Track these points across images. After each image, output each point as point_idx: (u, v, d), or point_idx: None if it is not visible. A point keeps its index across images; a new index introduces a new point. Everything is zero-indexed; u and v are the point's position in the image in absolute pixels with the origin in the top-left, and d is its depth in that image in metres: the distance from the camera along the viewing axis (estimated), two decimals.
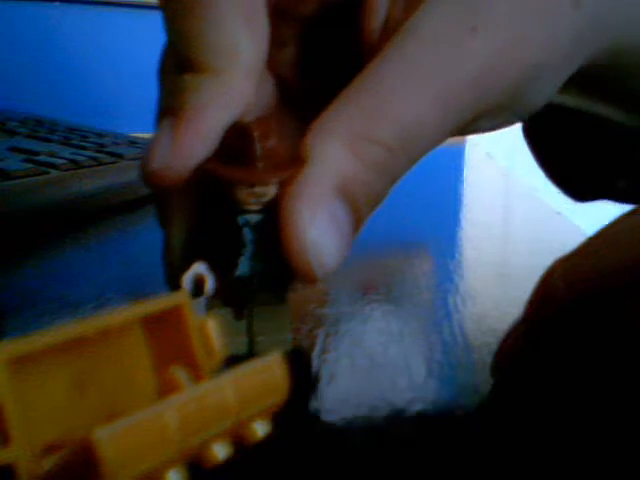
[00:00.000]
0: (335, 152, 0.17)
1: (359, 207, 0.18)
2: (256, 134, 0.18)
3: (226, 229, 0.18)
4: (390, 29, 0.19)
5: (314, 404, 0.20)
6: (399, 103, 0.18)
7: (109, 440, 0.10)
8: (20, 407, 0.11)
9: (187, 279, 0.16)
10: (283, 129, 0.19)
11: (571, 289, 0.18)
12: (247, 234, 0.18)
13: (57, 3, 0.87)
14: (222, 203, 0.18)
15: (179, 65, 0.19)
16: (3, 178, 0.36)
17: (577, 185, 0.31)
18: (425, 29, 0.18)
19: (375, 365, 0.22)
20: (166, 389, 0.14)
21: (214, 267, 0.17)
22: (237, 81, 0.18)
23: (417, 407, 0.19)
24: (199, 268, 0.16)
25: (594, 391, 0.18)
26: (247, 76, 0.18)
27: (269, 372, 0.14)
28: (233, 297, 0.19)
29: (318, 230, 0.17)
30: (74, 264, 0.34)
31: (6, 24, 0.84)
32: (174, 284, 0.19)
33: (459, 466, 0.17)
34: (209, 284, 0.16)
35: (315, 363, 0.22)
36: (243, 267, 0.18)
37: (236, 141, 0.18)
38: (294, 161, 0.18)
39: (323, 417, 0.19)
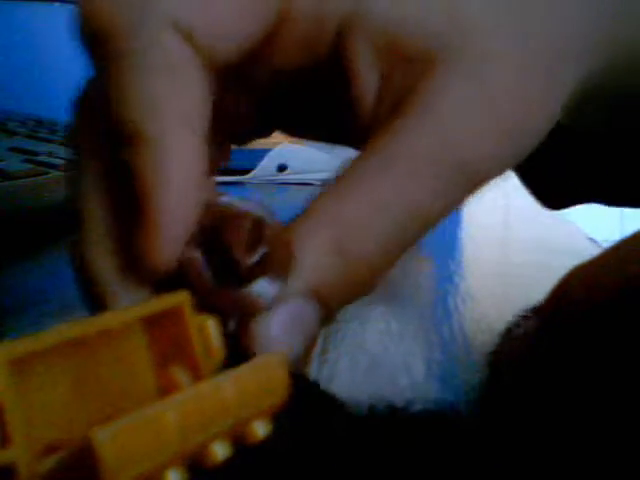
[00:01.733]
0: (315, 260, 0.17)
1: (332, 307, 0.17)
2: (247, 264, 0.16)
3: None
4: (387, 105, 0.18)
5: (314, 404, 0.20)
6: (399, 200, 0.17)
7: (108, 440, 0.10)
8: (20, 407, 0.11)
9: None
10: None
11: (589, 295, 0.18)
12: None
13: (57, 4, 0.88)
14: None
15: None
16: (3, 178, 0.36)
17: (553, 193, 0.31)
18: (436, 116, 0.17)
19: (375, 365, 0.22)
20: (166, 389, 0.14)
21: None
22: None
23: (417, 407, 0.19)
24: None
25: (602, 395, 0.18)
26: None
27: (269, 372, 0.14)
28: None
29: (278, 331, 0.16)
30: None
31: (6, 24, 0.84)
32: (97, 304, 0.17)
33: (459, 466, 0.17)
34: None
35: (315, 363, 0.22)
36: None
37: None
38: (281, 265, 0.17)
39: (323, 417, 0.19)
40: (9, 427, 0.11)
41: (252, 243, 0.16)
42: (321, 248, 0.17)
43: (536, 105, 0.18)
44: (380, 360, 0.23)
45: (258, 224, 0.17)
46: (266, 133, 0.23)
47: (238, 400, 0.13)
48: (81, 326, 0.13)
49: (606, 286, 0.18)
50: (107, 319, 0.13)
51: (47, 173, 0.39)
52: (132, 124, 0.16)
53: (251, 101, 0.21)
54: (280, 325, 0.16)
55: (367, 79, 0.18)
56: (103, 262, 0.17)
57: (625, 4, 0.19)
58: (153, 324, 0.14)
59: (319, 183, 0.48)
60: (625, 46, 0.19)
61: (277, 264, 0.17)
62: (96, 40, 0.17)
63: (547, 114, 0.18)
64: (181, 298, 0.15)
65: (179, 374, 0.14)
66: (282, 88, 0.20)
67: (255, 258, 0.16)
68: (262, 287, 0.16)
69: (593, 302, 0.18)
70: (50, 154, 0.43)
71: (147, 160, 0.16)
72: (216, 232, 0.17)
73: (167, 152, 0.16)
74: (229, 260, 0.16)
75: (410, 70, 0.17)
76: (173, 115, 0.16)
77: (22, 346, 0.11)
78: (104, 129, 0.17)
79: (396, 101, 0.18)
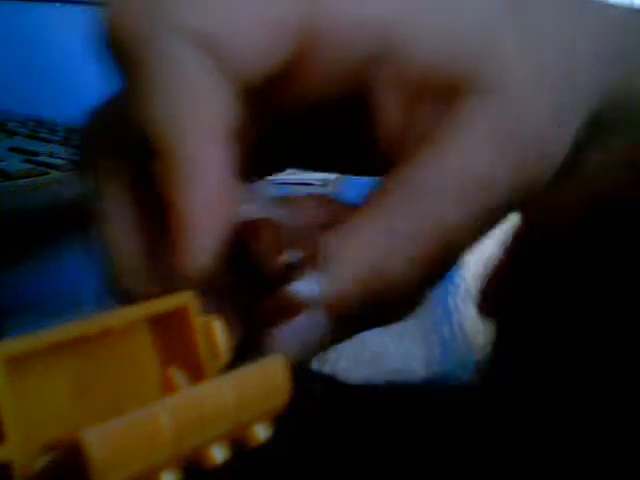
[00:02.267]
0: (342, 279, 0.17)
1: (344, 322, 0.17)
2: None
3: None
4: (412, 139, 0.18)
5: (314, 405, 0.20)
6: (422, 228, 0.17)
7: (97, 441, 0.10)
8: (17, 406, 0.11)
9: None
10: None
11: (547, 230, 0.19)
12: None
13: (58, 4, 0.88)
14: None
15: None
16: (3, 178, 0.37)
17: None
18: (454, 150, 0.18)
19: (375, 364, 0.22)
20: (172, 390, 0.14)
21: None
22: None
23: (417, 407, 0.19)
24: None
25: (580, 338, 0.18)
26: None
27: (270, 375, 0.14)
28: None
29: (280, 343, 0.16)
30: (74, 264, 0.34)
31: (7, 25, 0.84)
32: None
33: (458, 462, 0.17)
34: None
35: (316, 363, 0.22)
36: None
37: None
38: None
39: (323, 417, 0.19)
40: (4, 426, 0.11)
41: (274, 251, 0.17)
42: (350, 267, 0.17)
43: (551, 143, 0.19)
44: (380, 359, 0.23)
45: (277, 231, 0.17)
46: (274, 170, 0.23)
47: (238, 403, 0.13)
48: (82, 326, 0.12)
49: (561, 222, 0.19)
50: (108, 319, 0.13)
51: (47, 173, 0.39)
52: (154, 136, 0.16)
53: (265, 131, 0.20)
54: (285, 338, 0.16)
55: (392, 112, 0.18)
56: (134, 270, 0.17)
57: (622, 44, 0.20)
58: (159, 324, 0.14)
59: (319, 183, 0.48)
60: (622, 84, 0.20)
61: (313, 264, 0.17)
62: (117, 50, 0.17)
63: (560, 150, 0.19)
64: (186, 299, 0.14)
65: (177, 375, 0.14)
66: (298, 119, 0.20)
67: (284, 262, 0.17)
68: (303, 286, 0.17)
69: (551, 236, 0.19)
70: (50, 154, 0.43)
71: (174, 174, 0.16)
72: (241, 243, 0.17)
73: (193, 167, 0.16)
74: (257, 270, 0.17)
75: (437, 104, 0.18)
76: (193, 127, 0.16)
77: (21, 345, 0.11)
78: (126, 134, 0.17)
79: (422, 134, 0.18)
